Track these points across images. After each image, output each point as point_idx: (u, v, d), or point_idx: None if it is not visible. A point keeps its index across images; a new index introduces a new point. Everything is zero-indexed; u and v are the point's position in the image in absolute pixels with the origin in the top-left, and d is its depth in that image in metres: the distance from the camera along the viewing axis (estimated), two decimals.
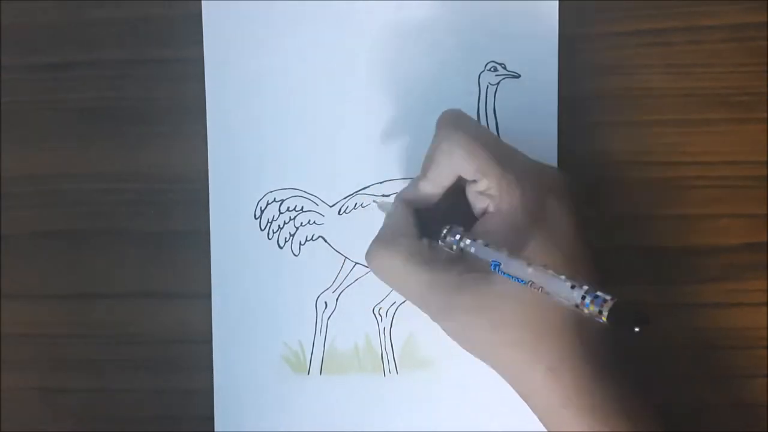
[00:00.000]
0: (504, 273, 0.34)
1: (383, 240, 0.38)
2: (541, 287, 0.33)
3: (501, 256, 0.35)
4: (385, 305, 0.43)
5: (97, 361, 0.45)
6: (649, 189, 0.43)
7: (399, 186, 0.43)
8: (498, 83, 0.43)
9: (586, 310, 0.31)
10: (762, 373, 0.43)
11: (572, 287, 0.32)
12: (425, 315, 0.38)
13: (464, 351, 0.38)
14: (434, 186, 0.38)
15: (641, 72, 0.42)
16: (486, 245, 0.35)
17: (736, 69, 0.42)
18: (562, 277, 0.33)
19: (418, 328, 0.43)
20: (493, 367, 0.37)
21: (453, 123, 0.37)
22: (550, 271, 0.33)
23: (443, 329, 0.37)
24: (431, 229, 0.38)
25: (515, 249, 0.35)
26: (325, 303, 0.44)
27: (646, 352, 0.43)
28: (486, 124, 0.43)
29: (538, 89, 0.43)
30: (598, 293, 0.31)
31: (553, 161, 0.42)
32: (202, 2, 0.44)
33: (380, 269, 0.38)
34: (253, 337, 0.44)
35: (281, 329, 0.44)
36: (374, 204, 0.43)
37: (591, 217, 0.39)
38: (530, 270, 0.33)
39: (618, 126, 0.43)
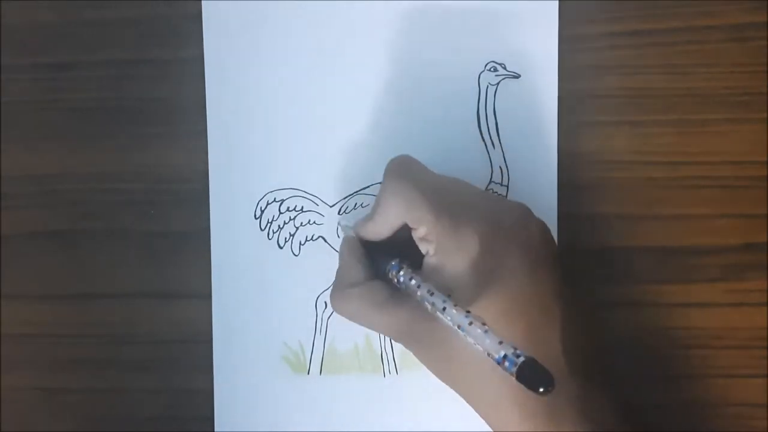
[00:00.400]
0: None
1: (337, 287, 0.39)
2: (462, 330, 0.33)
3: (425, 293, 0.35)
4: None
5: (97, 361, 0.45)
6: (649, 189, 0.43)
7: None
8: (498, 83, 0.43)
9: (497, 363, 0.31)
10: (762, 373, 0.43)
11: (487, 336, 0.31)
12: None
13: None
14: (382, 228, 0.38)
15: (641, 72, 0.42)
16: (416, 281, 0.36)
17: (736, 69, 0.42)
18: (477, 324, 0.32)
19: None
20: (455, 391, 0.37)
21: (396, 172, 0.38)
22: (469, 317, 0.32)
23: (414, 355, 0.38)
24: (386, 261, 0.38)
25: (452, 292, 0.35)
26: (325, 303, 0.44)
27: (646, 352, 0.43)
28: (486, 125, 0.43)
29: (538, 89, 0.43)
30: (511, 347, 0.30)
31: (553, 161, 0.42)
32: (202, 2, 0.44)
33: (343, 314, 0.39)
34: (253, 337, 0.44)
35: (281, 329, 0.44)
36: (338, 226, 0.43)
37: (552, 259, 0.38)
38: (453, 311, 0.33)
39: (618, 126, 0.43)
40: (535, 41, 0.43)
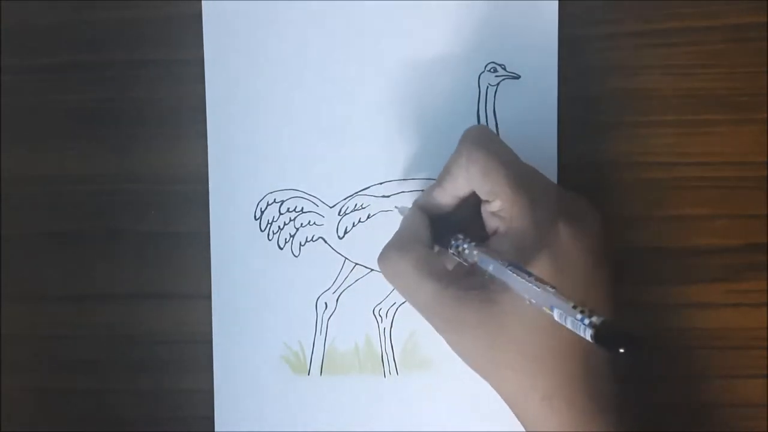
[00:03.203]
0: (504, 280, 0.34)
1: (395, 245, 0.38)
2: (534, 299, 0.32)
3: (501, 265, 0.34)
4: (385, 306, 0.43)
5: (97, 361, 0.45)
6: (649, 189, 0.43)
7: (399, 187, 0.43)
8: (498, 84, 0.43)
9: (571, 327, 0.30)
10: (762, 373, 0.43)
11: (561, 301, 0.31)
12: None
13: None
14: (448, 196, 0.38)
15: (641, 72, 0.42)
16: (489, 255, 0.35)
17: (736, 70, 0.42)
18: (554, 291, 0.32)
19: (418, 329, 0.43)
20: (492, 385, 0.37)
21: (476, 140, 0.37)
22: (547, 285, 0.32)
23: (446, 341, 0.37)
24: (445, 239, 0.38)
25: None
26: (326, 303, 0.44)
27: (646, 353, 0.43)
28: (486, 125, 0.43)
29: (538, 90, 0.43)
30: (587, 310, 0.30)
31: (553, 162, 0.42)
32: (202, 2, 0.44)
33: (390, 274, 0.37)
34: (253, 337, 0.44)
35: (281, 329, 0.44)
36: (395, 209, 0.43)
37: (610, 252, 0.38)
38: (526, 277, 0.32)
39: (618, 126, 0.43)
40: (535, 41, 0.42)
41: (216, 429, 0.44)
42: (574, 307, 0.30)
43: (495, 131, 0.43)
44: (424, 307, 0.37)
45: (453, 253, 0.37)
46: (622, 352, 0.28)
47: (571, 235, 0.36)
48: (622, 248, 0.43)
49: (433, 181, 0.39)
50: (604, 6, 0.42)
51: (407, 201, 0.42)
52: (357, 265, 0.43)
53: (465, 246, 0.36)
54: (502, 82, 0.43)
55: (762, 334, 0.43)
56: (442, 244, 0.38)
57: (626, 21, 0.42)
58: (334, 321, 0.44)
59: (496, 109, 0.43)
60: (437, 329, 0.37)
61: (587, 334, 0.29)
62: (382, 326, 0.44)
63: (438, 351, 0.43)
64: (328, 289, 0.44)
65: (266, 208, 0.44)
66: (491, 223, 0.37)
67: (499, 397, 0.38)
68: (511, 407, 0.37)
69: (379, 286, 0.42)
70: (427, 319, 0.37)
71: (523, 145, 0.42)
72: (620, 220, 0.43)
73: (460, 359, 0.38)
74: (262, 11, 0.44)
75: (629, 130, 0.43)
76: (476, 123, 0.43)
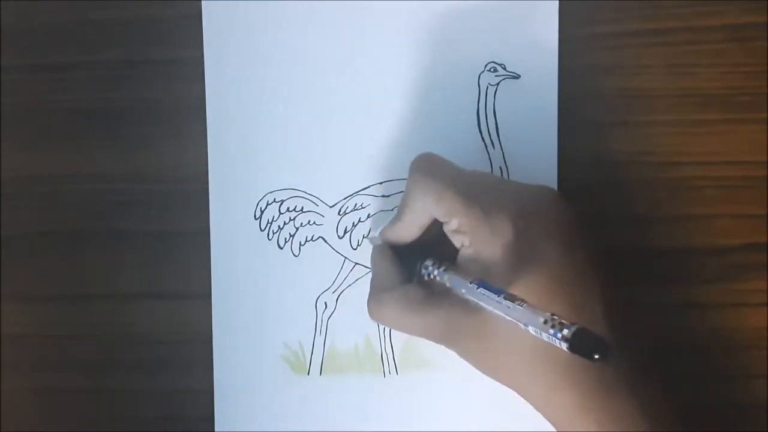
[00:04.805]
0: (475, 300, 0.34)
1: (373, 295, 0.39)
2: (508, 314, 0.33)
3: (466, 284, 0.35)
4: None
5: (97, 361, 0.45)
6: (649, 189, 0.43)
7: (399, 187, 0.43)
8: (498, 84, 0.43)
9: (547, 337, 0.31)
10: (762, 373, 0.43)
11: (534, 314, 0.31)
12: None
13: None
14: (411, 228, 0.39)
15: (641, 72, 0.42)
16: (454, 274, 0.36)
17: (736, 69, 0.42)
18: (525, 304, 0.32)
19: None
20: (503, 384, 0.38)
21: (422, 168, 0.38)
22: (513, 299, 0.33)
23: (458, 354, 0.38)
24: (417, 265, 0.39)
25: (491, 280, 0.35)
26: (325, 303, 0.44)
27: (646, 353, 0.43)
28: (486, 125, 0.43)
29: (538, 89, 0.42)
30: (559, 320, 0.31)
31: (553, 162, 0.42)
32: (202, 2, 0.44)
33: (381, 321, 0.39)
34: (253, 337, 0.44)
35: (281, 329, 0.44)
36: (366, 240, 0.43)
37: (588, 243, 0.38)
38: (496, 297, 0.33)
39: (618, 126, 0.43)
40: (535, 41, 0.42)
41: (216, 429, 0.44)
42: (545, 322, 0.31)
43: (495, 131, 0.43)
44: (420, 334, 0.38)
45: (427, 278, 0.38)
46: (597, 358, 0.29)
47: (537, 231, 0.36)
48: (622, 248, 0.43)
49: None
50: (604, 6, 0.42)
51: None
52: (357, 265, 0.44)
53: (435, 272, 0.37)
54: (502, 81, 0.43)
55: (762, 334, 0.43)
56: (416, 271, 0.39)
57: (626, 21, 0.42)
58: (334, 321, 0.44)
59: (496, 109, 0.43)
60: (446, 347, 0.38)
61: (563, 346, 0.30)
62: (381, 326, 0.44)
63: (438, 351, 0.42)
64: (328, 288, 0.44)
65: (266, 207, 0.44)
66: (456, 241, 0.37)
67: (499, 397, 0.38)
68: (524, 398, 0.37)
69: None
70: (436, 342, 0.38)
71: (522, 144, 0.42)
72: (620, 220, 0.43)
73: (459, 359, 0.38)
74: (262, 11, 0.44)
75: (629, 129, 0.43)
76: (476, 122, 0.43)
